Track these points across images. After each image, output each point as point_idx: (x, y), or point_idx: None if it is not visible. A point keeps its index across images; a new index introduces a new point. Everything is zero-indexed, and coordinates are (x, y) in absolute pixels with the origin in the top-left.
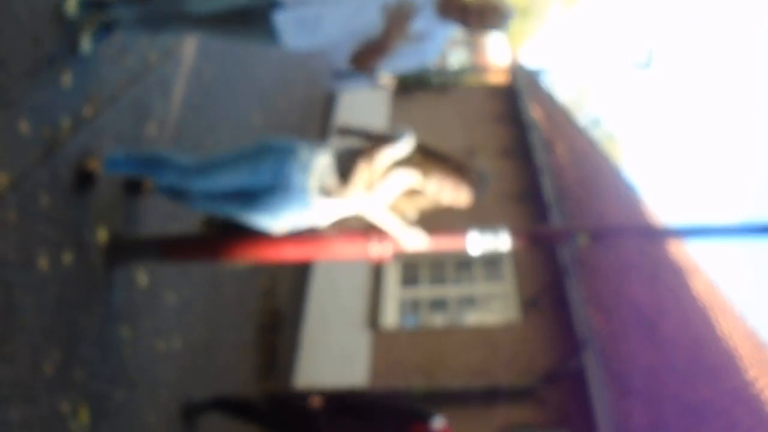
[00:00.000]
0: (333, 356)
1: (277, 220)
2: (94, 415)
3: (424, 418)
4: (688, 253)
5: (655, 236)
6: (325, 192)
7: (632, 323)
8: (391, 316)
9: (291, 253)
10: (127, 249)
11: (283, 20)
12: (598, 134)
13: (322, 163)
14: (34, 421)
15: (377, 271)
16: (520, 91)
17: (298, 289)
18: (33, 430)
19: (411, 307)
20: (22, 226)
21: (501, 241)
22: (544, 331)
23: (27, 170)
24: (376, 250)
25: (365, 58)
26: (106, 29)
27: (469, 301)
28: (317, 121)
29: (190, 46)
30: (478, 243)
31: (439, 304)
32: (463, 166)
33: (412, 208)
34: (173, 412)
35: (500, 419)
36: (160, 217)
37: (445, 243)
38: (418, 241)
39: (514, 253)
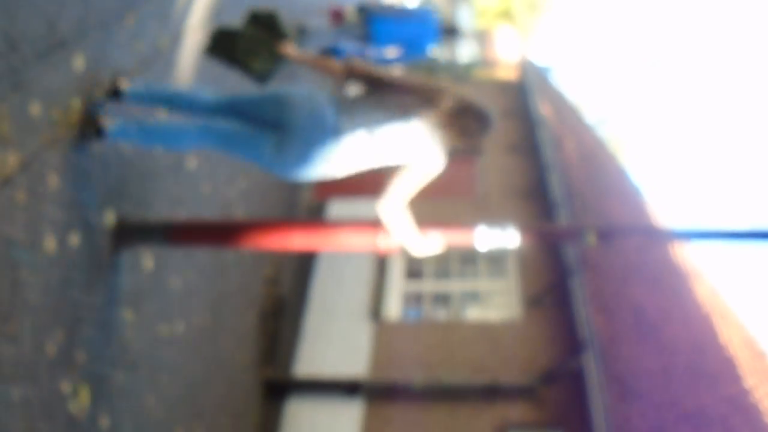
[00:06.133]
0: (334, 346)
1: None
2: (94, 397)
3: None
4: (693, 257)
5: (663, 238)
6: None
7: (634, 326)
8: (393, 309)
9: (297, 243)
10: (133, 232)
11: None
12: (605, 133)
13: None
14: (35, 401)
15: (382, 262)
16: (529, 87)
17: (302, 277)
18: (33, 410)
19: (414, 300)
20: (30, 206)
21: (508, 238)
22: (545, 330)
23: (37, 152)
24: (384, 242)
25: None
26: None
27: (473, 297)
28: None
29: (203, 33)
30: (486, 239)
31: (442, 299)
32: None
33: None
34: (173, 391)
35: (498, 416)
36: (167, 202)
37: (453, 238)
38: (430, 247)
39: (519, 251)
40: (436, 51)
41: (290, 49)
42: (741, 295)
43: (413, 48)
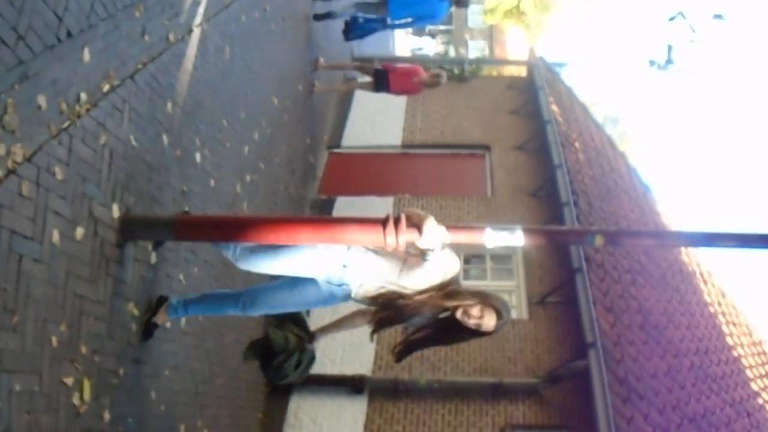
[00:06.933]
0: (340, 343)
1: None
2: (96, 390)
3: None
4: (700, 259)
5: (670, 242)
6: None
7: (640, 327)
8: None
9: (303, 238)
10: (139, 226)
11: None
12: (614, 132)
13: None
14: (37, 393)
15: None
16: (539, 85)
17: None
18: (36, 402)
19: None
20: (36, 198)
21: (516, 239)
22: (550, 331)
23: (43, 144)
24: (391, 239)
25: None
26: None
27: None
28: (335, 106)
29: (211, 26)
30: (494, 239)
31: None
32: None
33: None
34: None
35: (502, 416)
36: (173, 196)
37: (462, 237)
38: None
39: (526, 251)
40: (444, 47)
41: (318, 332)
42: (748, 297)
43: (426, 16)
